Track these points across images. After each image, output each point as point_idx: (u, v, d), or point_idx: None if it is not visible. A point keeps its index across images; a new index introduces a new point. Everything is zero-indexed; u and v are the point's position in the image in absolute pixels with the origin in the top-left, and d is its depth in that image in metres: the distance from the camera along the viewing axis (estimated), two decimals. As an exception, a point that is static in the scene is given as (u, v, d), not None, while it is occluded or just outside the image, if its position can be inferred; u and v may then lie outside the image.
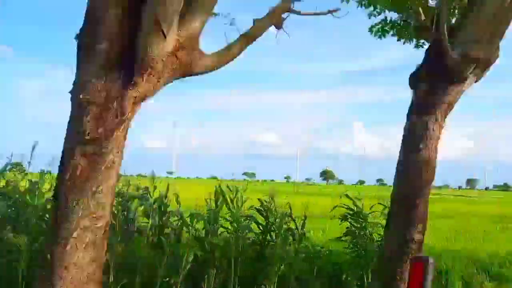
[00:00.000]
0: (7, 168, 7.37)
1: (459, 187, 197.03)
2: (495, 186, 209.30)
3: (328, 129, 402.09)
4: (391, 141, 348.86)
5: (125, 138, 3.61)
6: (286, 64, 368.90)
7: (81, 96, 3.42)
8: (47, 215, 6.44)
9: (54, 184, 3.62)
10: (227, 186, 7.54)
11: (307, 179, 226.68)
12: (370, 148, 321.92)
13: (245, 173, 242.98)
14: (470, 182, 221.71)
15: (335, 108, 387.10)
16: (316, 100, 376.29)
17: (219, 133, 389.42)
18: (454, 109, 5.83)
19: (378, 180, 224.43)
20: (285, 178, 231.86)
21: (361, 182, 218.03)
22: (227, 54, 4.01)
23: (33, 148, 7.04)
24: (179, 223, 7.52)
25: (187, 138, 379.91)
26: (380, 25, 7.66)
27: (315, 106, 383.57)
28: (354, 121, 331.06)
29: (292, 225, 7.40)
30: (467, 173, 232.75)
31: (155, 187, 7.65)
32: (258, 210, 7.46)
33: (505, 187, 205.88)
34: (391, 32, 7.68)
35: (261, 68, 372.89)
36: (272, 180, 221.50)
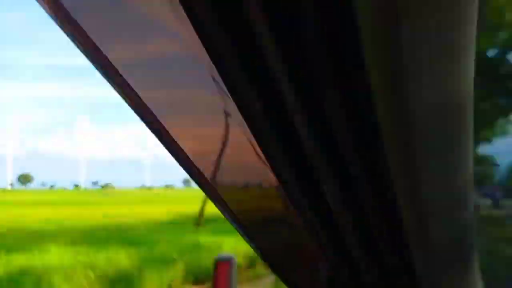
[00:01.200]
0: None
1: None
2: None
3: (51, 127, 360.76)
4: (118, 141, 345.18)
5: None
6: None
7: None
8: None
9: None
10: None
11: (11, 184, 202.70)
12: (96, 149, 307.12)
13: None
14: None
15: (58, 104, 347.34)
16: (35, 94, 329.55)
17: None
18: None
19: (94, 183, 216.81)
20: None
21: (76, 186, 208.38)
22: None
23: None
24: None
25: None
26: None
27: (33, 101, 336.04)
28: (80, 119, 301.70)
29: None
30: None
31: None
32: None
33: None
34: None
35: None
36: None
